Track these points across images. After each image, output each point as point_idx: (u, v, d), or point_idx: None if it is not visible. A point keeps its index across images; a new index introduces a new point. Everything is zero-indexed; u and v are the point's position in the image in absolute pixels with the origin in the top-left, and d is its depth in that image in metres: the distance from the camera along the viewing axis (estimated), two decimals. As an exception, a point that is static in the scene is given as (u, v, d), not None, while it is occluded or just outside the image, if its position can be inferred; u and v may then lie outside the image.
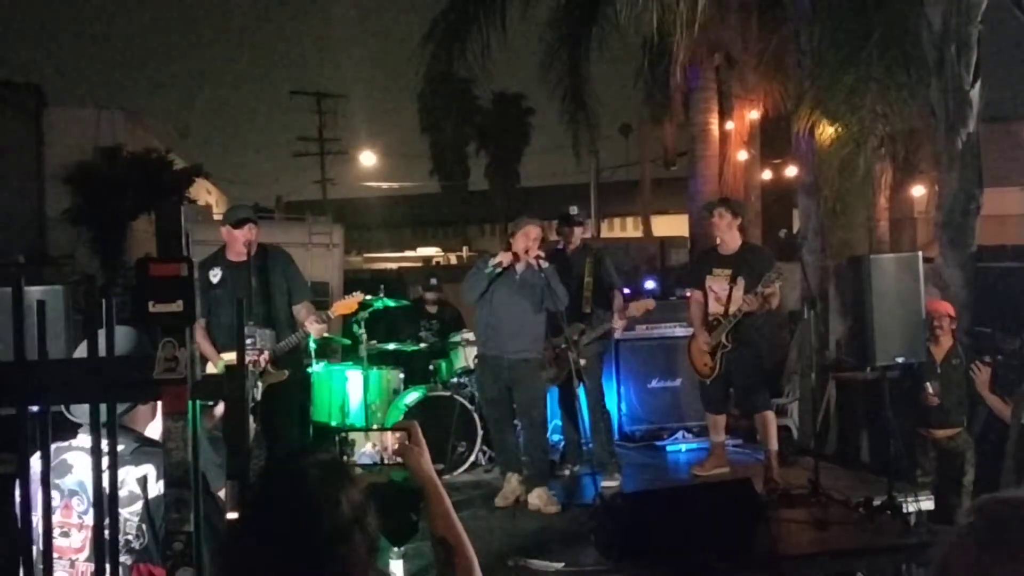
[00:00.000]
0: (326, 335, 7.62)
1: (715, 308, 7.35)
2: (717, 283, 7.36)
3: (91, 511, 2.50)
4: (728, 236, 7.39)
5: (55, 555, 2.66)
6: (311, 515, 1.81)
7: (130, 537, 2.63)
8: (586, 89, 13.64)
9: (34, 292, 2.75)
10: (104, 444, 2.33)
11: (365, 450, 2.50)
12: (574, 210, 7.83)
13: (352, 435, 2.53)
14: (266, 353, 6.17)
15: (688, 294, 7.83)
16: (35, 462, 2.74)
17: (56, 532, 2.67)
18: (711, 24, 9.67)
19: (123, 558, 2.63)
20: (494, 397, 6.97)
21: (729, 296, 7.26)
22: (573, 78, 13.51)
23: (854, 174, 9.72)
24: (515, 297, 6.79)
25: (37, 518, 2.69)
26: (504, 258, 6.73)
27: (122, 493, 2.65)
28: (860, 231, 10.29)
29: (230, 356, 5.73)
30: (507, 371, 6.84)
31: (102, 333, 2.67)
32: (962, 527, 1.63)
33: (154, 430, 2.75)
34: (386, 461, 2.35)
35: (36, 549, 2.68)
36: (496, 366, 6.87)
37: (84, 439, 2.59)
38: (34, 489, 2.69)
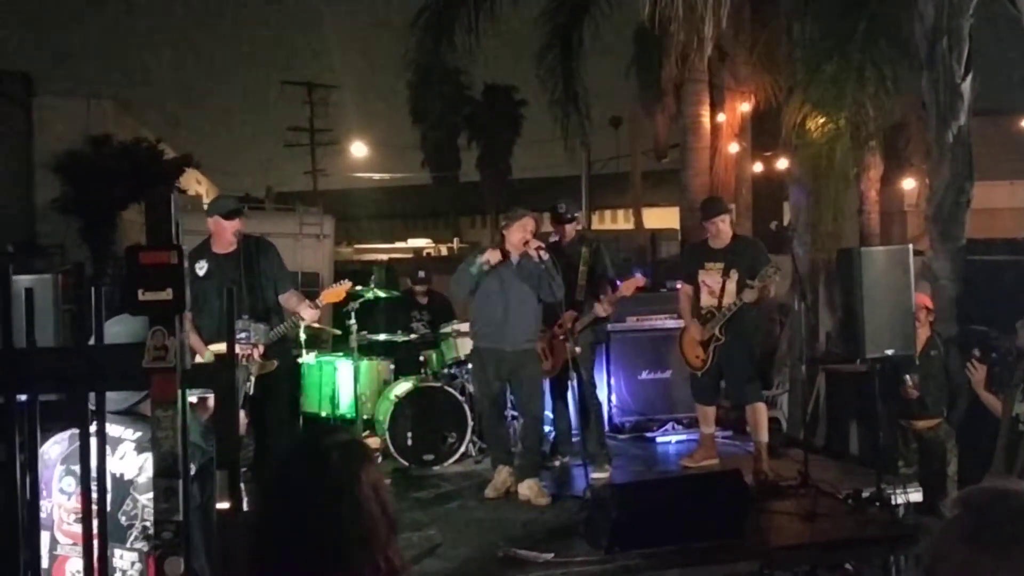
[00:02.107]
0: (316, 325, 7.61)
1: (708, 301, 7.35)
2: (710, 276, 7.36)
3: (108, 497, 2.50)
4: (722, 232, 7.41)
5: (71, 542, 2.68)
6: (333, 493, 1.85)
7: (147, 523, 2.63)
8: (578, 81, 13.57)
9: (23, 281, 2.73)
10: (118, 431, 2.33)
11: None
12: (562, 207, 7.76)
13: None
14: (260, 347, 6.15)
15: (679, 286, 7.83)
16: (48, 447, 2.74)
17: (71, 518, 2.68)
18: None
19: (140, 544, 2.64)
20: (490, 390, 6.95)
21: (722, 289, 7.26)
22: (565, 69, 13.45)
23: (845, 167, 9.72)
24: (513, 289, 6.78)
25: (51, 505, 2.70)
26: (491, 256, 6.73)
27: (140, 479, 2.66)
28: (850, 224, 10.31)
29: (219, 347, 5.71)
30: (506, 363, 6.83)
31: (117, 320, 2.66)
32: (949, 521, 1.62)
33: None
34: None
35: (49, 535, 2.69)
36: (494, 358, 6.86)
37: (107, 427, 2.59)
38: (48, 476, 2.70)
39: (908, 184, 20.01)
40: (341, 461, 1.90)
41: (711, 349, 7.33)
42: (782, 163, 12.60)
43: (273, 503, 1.93)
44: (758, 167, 17.24)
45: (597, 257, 7.61)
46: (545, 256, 6.67)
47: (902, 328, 6.52)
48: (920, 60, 8.58)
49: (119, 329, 2.64)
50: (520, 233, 6.73)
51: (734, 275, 7.22)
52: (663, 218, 27.13)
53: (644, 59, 16.29)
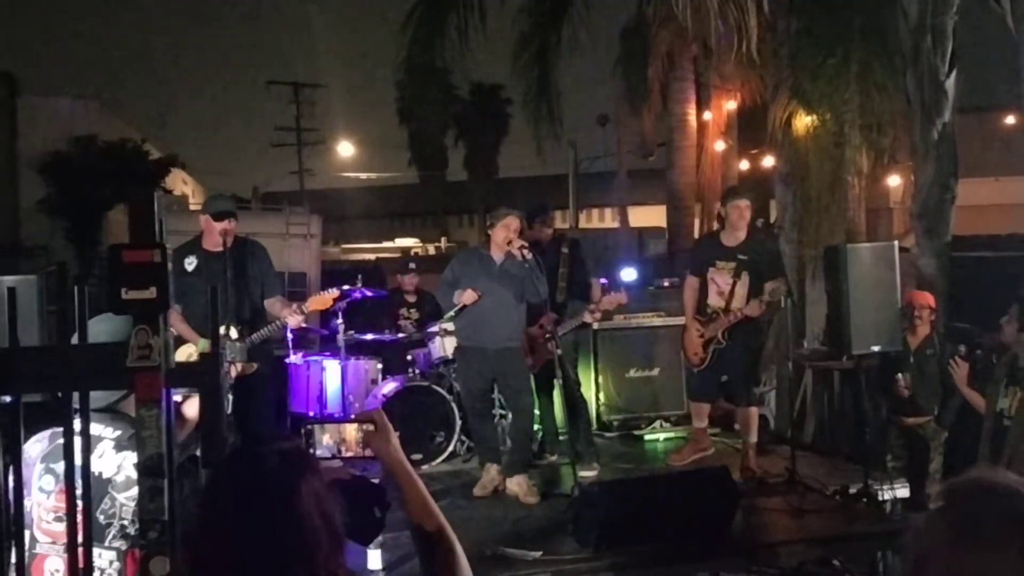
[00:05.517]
0: (303, 325, 7.59)
1: (715, 301, 7.23)
2: (720, 276, 7.22)
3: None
4: (741, 225, 7.25)
5: (49, 540, 2.67)
6: (269, 502, 1.77)
7: (125, 522, 2.62)
8: (552, 79, 13.50)
9: (7, 281, 2.72)
10: (97, 430, 2.31)
11: (324, 443, 2.45)
12: (543, 208, 7.78)
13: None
14: (238, 365, 6.13)
15: (666, 283, 7.81)
16: (29, 446, 2.72)
17: (50, 517, 2.67)
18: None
19: (118, 543, 2.63)
20: (476, 389, 6.97)
21: (732, 291, 7.16)
22: (541, 67, 13.41)
23: (830, 164, 9.74)
24: (497, 288, 6.78)
25: (30, 503, 2.68)
26: (467, 298, 6.77)
27: (119, 478, 2.65)
28: (836, 221, 10.32)
29: (203, 344, 5.70)
30: (492, 362, 6.84)
31: (100, 319, 2.65)
32: (935, 513, 1.60)
33: None
34: (347, 453, 2.31)
35: (28, 533, 2.67)
36: (480, 358, 6.87)
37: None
38: (27, 474, 2.68)
39: (893, 181, 20.06)
40: (278, 469, 1.80)
41: (711, 350, 7.26)
42: (768, 161, 12.62)
43: (206, 513, 1.84)
44: (744, 165, 17.29)
45: (575, 257, 7.61)
46: (529, 255, 6.67)
47: (888, 324, 6.54)
48: (905, 57, 8.59)
49: (101, 328, 2.63)
50: (504, 232, 6.73)
51: (746, 278, 7.10)
52: (650, 216, 27.14)
53: (630, 58, 16.30)
